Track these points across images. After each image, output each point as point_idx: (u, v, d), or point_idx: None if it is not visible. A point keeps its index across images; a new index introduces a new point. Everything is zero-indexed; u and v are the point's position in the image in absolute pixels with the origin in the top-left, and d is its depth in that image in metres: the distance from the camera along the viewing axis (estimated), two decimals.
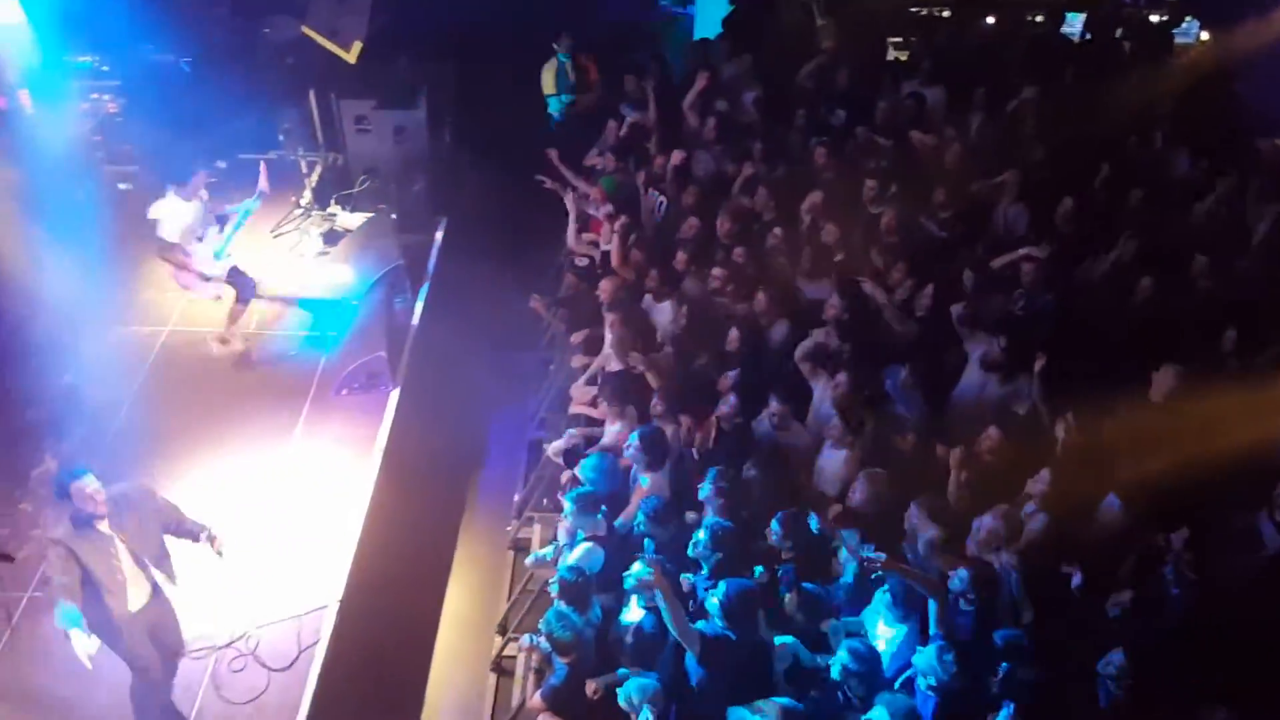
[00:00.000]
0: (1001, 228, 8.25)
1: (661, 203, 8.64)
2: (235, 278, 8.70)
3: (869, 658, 5.02)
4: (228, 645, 6.82)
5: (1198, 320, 7.04)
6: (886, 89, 9.68)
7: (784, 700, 4.81)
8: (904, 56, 11.15)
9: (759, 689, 4.94)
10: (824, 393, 6.73)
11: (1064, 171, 8.51)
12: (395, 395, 8.49)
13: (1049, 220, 8.06)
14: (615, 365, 7.27)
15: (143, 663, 5.97)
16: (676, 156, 8.72)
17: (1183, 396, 6.23)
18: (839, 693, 5.02)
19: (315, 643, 6.79)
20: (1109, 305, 7.28)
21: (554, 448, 7.35)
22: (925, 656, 4.95)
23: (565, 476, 6.95)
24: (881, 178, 8.39)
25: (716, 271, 7.65)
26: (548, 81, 10.43)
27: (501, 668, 7.06)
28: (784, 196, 8.35)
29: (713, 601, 5.14)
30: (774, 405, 6.60)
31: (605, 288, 7.54)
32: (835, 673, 5.04)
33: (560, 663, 5.37)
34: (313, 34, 9.78)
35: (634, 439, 6.34)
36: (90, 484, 5.51)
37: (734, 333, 7.23)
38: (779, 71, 10.13)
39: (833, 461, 6.45)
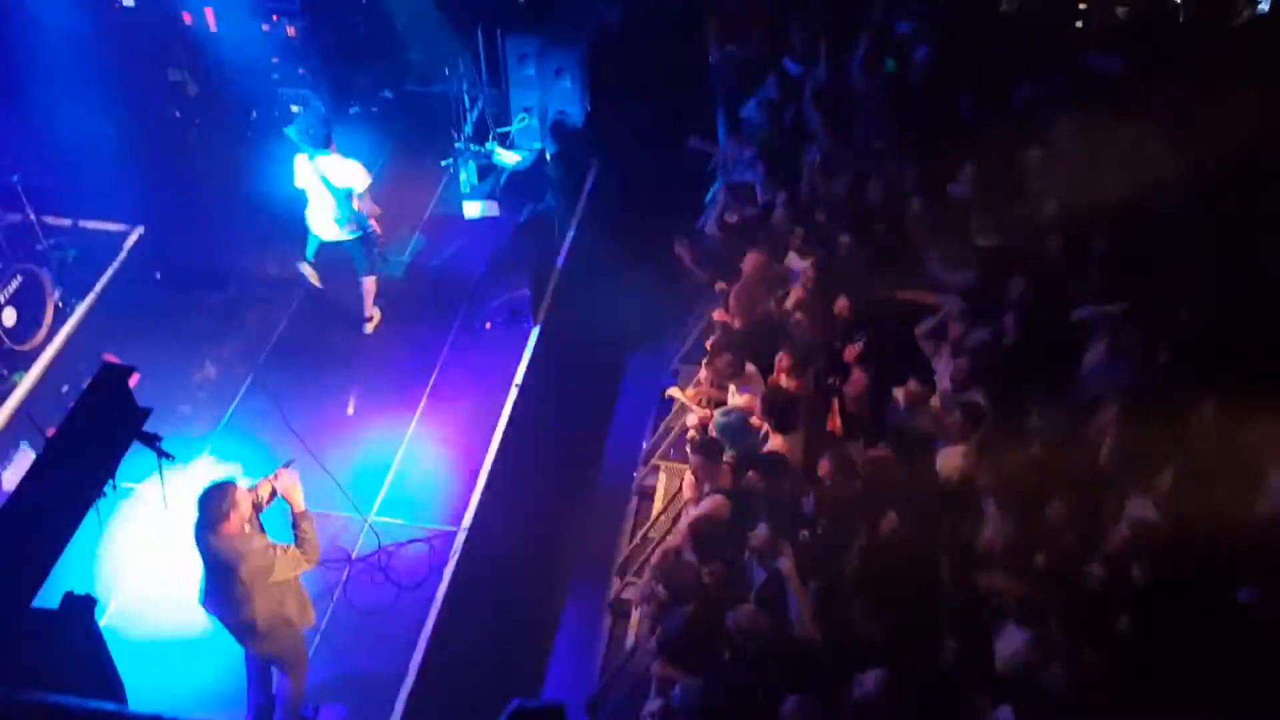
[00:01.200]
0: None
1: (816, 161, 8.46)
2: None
3: None
4: (362, 560, 7.14)
5: None
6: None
7: None
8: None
9: None
10: (943, 374, 6.34)
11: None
12: (535, 332, 8.67)
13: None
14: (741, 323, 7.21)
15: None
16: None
17: None
18: None
19: (444, 565, 7.07)
20: None
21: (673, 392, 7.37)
22: None
23: (694, 427, 6.99)
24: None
25: (845, 239, 7.47)
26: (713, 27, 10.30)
27: (618, 609, 7.19)
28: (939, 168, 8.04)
29: None
30: (911, 385, 6.34)
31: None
32: None
33: (677, 611, 5.44)
34: None
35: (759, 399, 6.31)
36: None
37: (842, 300, 6.98)
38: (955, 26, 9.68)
39: (946, 457, 6.00)
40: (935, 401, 6.24)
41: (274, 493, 5.70)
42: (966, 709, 4.73)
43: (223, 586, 5.45)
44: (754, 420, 6.47)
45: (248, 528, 5.44)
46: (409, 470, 7.80)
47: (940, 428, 6.04)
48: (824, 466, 5.78)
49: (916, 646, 5.01)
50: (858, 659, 4.84)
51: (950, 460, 5.85)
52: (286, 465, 5.75)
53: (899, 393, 6.35)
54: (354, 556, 7.16)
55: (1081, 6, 9.93)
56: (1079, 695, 4.57)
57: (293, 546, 5.54)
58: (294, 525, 5.61)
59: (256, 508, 5.64)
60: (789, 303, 7.32)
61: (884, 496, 5.63)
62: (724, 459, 6.23)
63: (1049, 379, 6.19)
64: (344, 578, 7.02)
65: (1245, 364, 5.88)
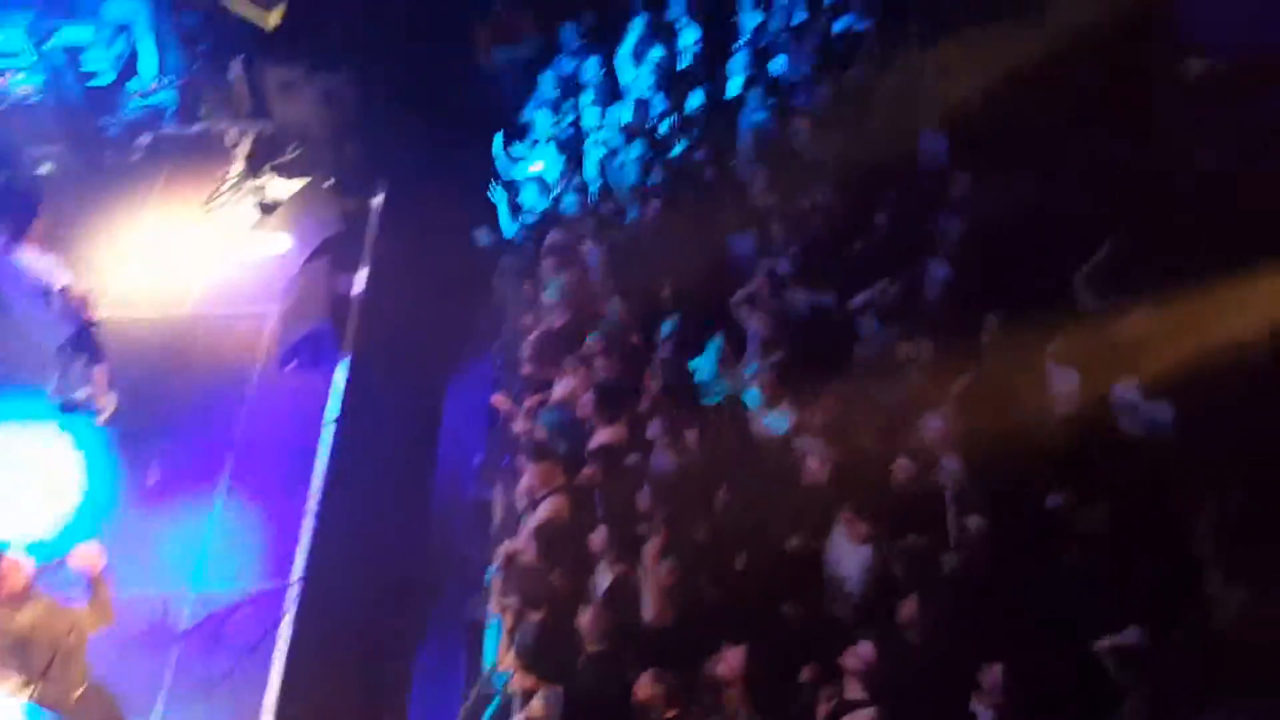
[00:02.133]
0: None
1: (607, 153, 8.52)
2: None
3: None
4: (191, 633, 6.70)
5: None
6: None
7: None
8: None
9: None
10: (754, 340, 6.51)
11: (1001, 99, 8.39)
12: (345, 364, 8.35)
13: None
14: (561, 319, 7.17)
15: None
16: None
17: None
18: None
19: (279, 621, 6.71)
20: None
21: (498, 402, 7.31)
22: None
23: (523, 431, 6.88)
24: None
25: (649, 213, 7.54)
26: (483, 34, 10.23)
27: (476, 628, 6.99)
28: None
29: None
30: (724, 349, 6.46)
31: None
32: None
33: (532, 620, 5.33)
34: (229, 4, 9.46)
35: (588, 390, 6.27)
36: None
37: (663, 284, 7.06)
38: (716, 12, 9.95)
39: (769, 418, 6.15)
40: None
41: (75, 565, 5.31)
42: (827, 656, 4.82)
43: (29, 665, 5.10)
44: (579, 412, 6.43)
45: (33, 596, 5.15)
46: (227, 530, 7.36)
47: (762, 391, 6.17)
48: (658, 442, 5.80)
49: (769, 609, 5.09)
50: (712, 634, 4.87)
51: (776, 416, 6.00)
52: (89, 542, 5.37)
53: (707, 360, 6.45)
54: (182, 631, 6.69)
55: None
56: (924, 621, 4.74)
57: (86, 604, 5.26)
58: (90, 589, 5.29)
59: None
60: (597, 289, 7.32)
61: (716, 466, 5.69)
62: (557, 458, 6.15)
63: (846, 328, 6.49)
64: (174, 657, 6.55)
65: (1021, 283, 6.36)
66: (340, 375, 8.32)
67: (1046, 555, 5.04)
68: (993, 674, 4.38)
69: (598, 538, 5.56)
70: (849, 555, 5.15)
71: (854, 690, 4.60)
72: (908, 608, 4.70)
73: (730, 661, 4.71)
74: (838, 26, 9.26)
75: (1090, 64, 8.81)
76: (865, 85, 8.58)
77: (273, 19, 9.47)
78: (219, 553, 7.19)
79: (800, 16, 9.53)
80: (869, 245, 7.14)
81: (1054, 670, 4.59)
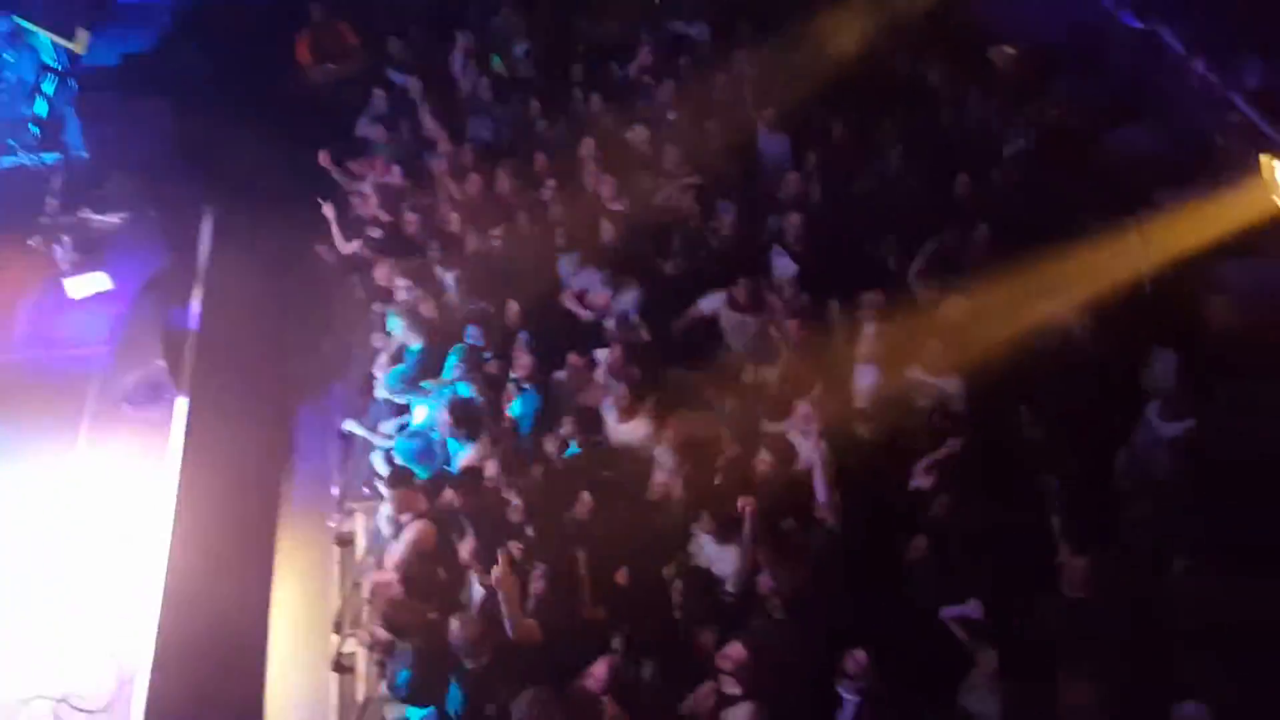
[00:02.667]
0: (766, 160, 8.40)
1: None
2: None
3: None
4: (33, 698, 6.26)
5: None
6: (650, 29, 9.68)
7: None
8: None
9: None
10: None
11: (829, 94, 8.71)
12: (184, 402, 7.99)
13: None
14: (416, 342, 7.08)
15: None
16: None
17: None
18: None
19: (134, 676, 6.36)
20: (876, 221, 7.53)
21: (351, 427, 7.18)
22: None
23: (381, 462, 6.75)
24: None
25: (496, 232, 7.53)
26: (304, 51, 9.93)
27: (342, 665, 6.82)
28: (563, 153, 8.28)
29: None
30: (572, 359, 6.56)
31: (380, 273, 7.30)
32: None
33: (403, 649, 5.24)
34: (30, 25, 8.90)
35: (446, 412, 6.20)
36: None
37: (513, 306, 7.12)
38: (549, 20, 9.97)
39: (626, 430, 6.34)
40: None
41: None
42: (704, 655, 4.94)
43: None
44: (437, 435, 6.36)
45: None
46: (66, 579, 6.88)
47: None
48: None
49: (645, 616, 5.17)
50: (586, 645, 4.91)
51: (632, 431, 6.06)
52: None
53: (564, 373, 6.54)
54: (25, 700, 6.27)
55: None
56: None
57: None
58: None
59: None
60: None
61: (576, 480, 5.73)
62: (417, 484, 6.07)
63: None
64: None
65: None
66: (180, 413, 7.94)
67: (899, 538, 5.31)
68: (856, 658, 4.59)
69: (466, 549, 5.50)
70: (718, 556, 5.30)
71: (730, 686, 4.74)
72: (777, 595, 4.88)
73: (597, 674, 4.78)
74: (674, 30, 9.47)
75: (904, 57, 9.29)
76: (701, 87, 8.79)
77: (82, 42, 8.97)
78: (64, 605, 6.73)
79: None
80: (718, 244, 7.34)
81: (913, 649, 4.83)
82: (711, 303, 6.93)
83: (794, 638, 4.88)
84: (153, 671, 6.36)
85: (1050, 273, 6.48)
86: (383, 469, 6.61)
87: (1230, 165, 7.07)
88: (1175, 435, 5.68)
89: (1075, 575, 4.92)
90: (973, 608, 4.96)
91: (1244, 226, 6.55)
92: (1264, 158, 6.51)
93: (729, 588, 5.29)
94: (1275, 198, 6.45)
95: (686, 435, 5.90)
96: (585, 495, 5.65)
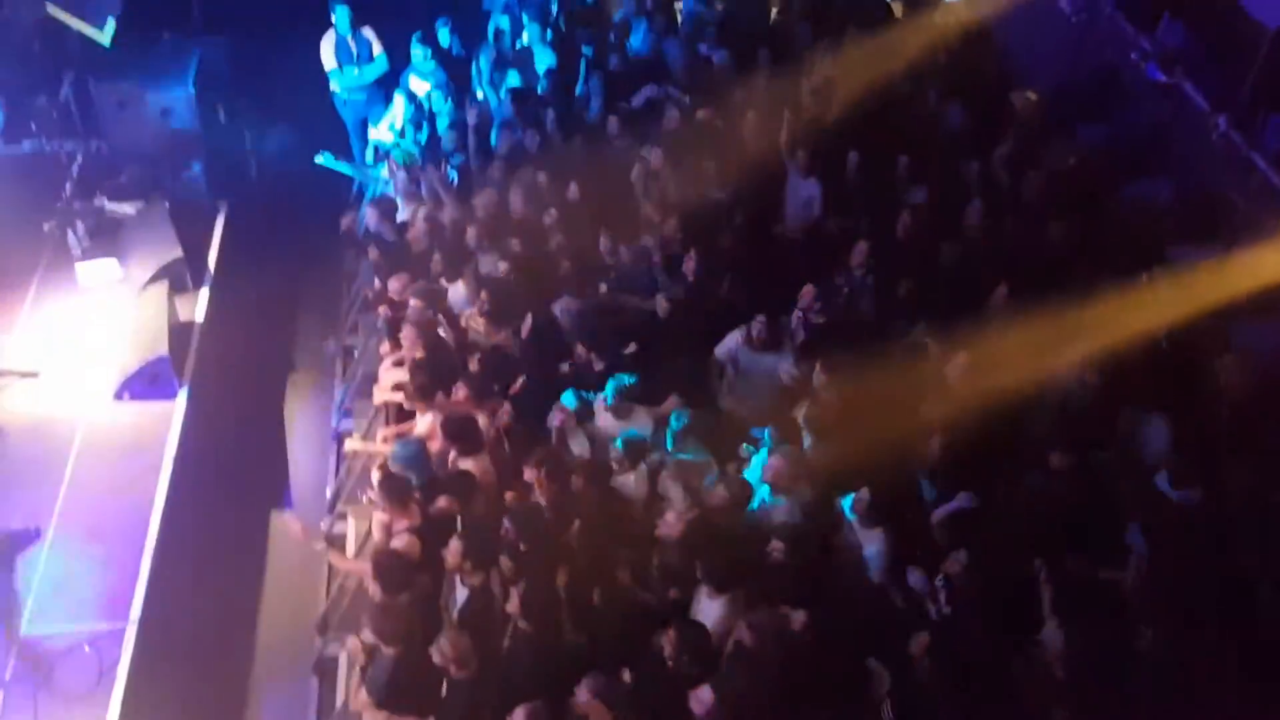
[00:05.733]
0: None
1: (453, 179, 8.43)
2: None
3: None
4: (16, 682, 6.25)
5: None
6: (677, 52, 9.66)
7: None
8: None
9: None
10: None
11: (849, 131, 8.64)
12: (184, 395, 7.99)
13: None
14: (419, 351, 7.04)
15: None
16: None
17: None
18: None
19: (116, 664, 6.37)
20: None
21: (351, 445, 7.17)
22: None
23: (376, 466, 6.71)
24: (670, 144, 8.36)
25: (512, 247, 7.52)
26: (327, 56, 9.97)
27: (324, 668, 6.81)
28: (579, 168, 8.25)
29: None
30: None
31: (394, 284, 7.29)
32: None
33: (384, 655, 5.19)
34: (59, 14, 8.97)
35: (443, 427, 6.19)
36: None
37: (529, 320, 7.05)
38: (571, 38, 10.01)
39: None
40: None
41: None
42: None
43: None
44: (434, 446, 6.32)
45: None
46: (58, 570, 6.91)
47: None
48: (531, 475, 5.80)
49: (629, 643, 5.11)
50: (575, 665, 4.85)
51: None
52: None
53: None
54: (5, 679, 6.25)
55: (677, 6, 10.52)
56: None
57: None
58: None
59: None
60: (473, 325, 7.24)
61: (571, 503, 5.71)
62: (411, 493, 6.02)
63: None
64: None
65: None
66: (180, 406, 7.94)
67: None
68: None
69: (452, 552, 5.48)
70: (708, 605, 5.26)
71: None
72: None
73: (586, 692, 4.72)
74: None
75: (924, 98, 9.25)
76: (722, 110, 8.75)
77: (108, 33, 9.04)
78: (50, 593, 6.76)
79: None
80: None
81: None
82: (728, 344, 6.89)
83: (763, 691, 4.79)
84: (132, 664, 6.36)
85: (1058, 325, 6.39)
86: (376, 474, 6.56)
87: (1248, 225, 7.02)
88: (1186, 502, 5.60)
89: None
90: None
91: (1260, 288, 6.46)
92: None
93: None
94: None
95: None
96: (577, 520, 5.63)
